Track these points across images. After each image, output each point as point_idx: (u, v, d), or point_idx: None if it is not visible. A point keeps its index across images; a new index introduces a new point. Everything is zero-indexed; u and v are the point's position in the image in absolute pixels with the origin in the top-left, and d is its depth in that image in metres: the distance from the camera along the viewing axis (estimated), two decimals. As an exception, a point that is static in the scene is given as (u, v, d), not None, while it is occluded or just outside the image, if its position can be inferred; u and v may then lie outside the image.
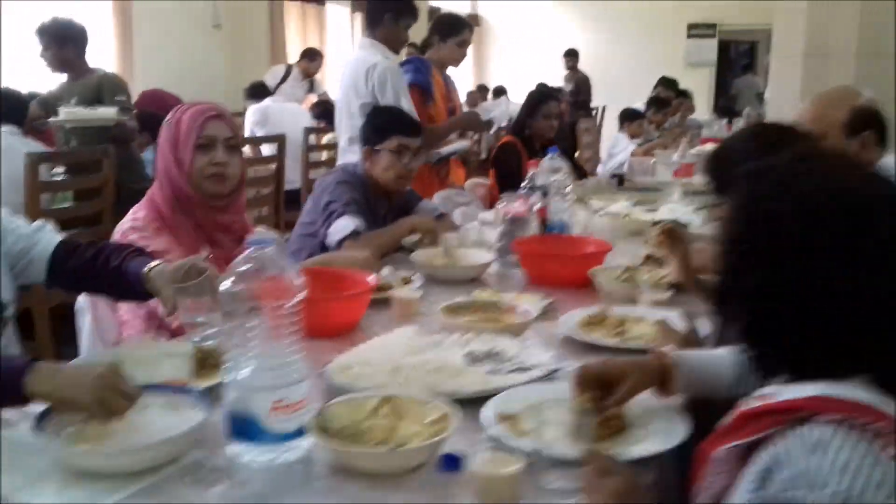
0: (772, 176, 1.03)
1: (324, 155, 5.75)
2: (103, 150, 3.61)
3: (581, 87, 10.60)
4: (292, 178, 4.99)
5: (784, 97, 4.91)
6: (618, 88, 10.09)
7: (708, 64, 12.17)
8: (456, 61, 4.11)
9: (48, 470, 1.20)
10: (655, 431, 1.30)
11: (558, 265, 2.32)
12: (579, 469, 1.09)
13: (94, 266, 1.72)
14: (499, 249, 2.48)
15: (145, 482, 1.18)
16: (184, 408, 1.36)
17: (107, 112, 3.80)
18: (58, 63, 3.97)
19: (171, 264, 1.64)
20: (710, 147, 5.66)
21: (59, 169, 3.92)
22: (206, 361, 1.59)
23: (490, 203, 4.24)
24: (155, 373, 1.54)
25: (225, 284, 1.23)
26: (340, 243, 2.57)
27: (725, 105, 10.35)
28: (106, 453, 1.22)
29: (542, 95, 4.31)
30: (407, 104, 3.50)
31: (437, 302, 2.07)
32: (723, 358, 1.39)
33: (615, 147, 6.00)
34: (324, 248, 2.72)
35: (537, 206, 2.54)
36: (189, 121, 2.11)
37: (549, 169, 2.84)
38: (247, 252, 1.24)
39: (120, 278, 1.67)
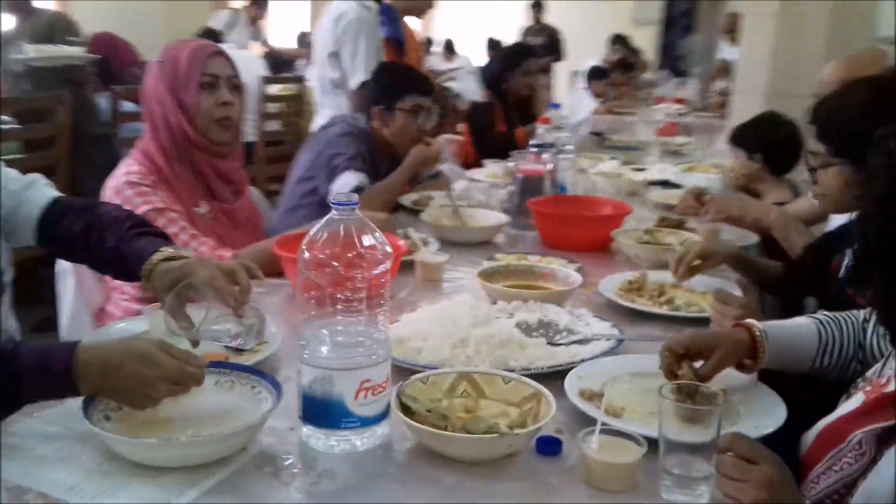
0: None
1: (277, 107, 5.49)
2: (58, 97, 3.33)
3: (553, 41, 10.39)
4: (246, 131, 4.74)
5: (757, 56, 4.89)
6: (565, 46, 9.98)
7: (653, 22, 12.15)
8: (421, 11, 3.88)
9: (99, 465, 1.05)
10: (752, 411, 1.22)
11: (577, 227, 2.22)
12: (701, 454, 1.00)
13: (85, 242, 1.47)
14: (511, 210, 2.37)
15: (217, 476, 1.04)
16: (239, 387, 1.22)
17: (74, 51, 3.50)
18: (4, 4, 3.64)
19: (180, 269, 1.32)
20: (678, 107, 5.68)
21: (6, 117, 3.60)
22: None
23: (464, 161, 4.12)
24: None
25: (303, 252, 1.09)
26: (343, 200, 2.42)
27: (672, 64, 10.37)
28: (182, 443, 1.06)
29: (523, 51, 4.19)
30: (371, 60, 3.24)
31: (456, 265, 1.98)
32: (806, 329, 1.32)
33: (578, 105, 5.94)
34: (324, 204, 2.56)
35: (550, 166, 2.42)
36: (189, 59, 1.92)
37: (554, 126, 2.74)
38: (329, 215, 1.11)
39: (118, 260, 1.42)
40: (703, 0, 12.10)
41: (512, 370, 1.31)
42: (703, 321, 1.62)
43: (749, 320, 1.31)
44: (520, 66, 4.18)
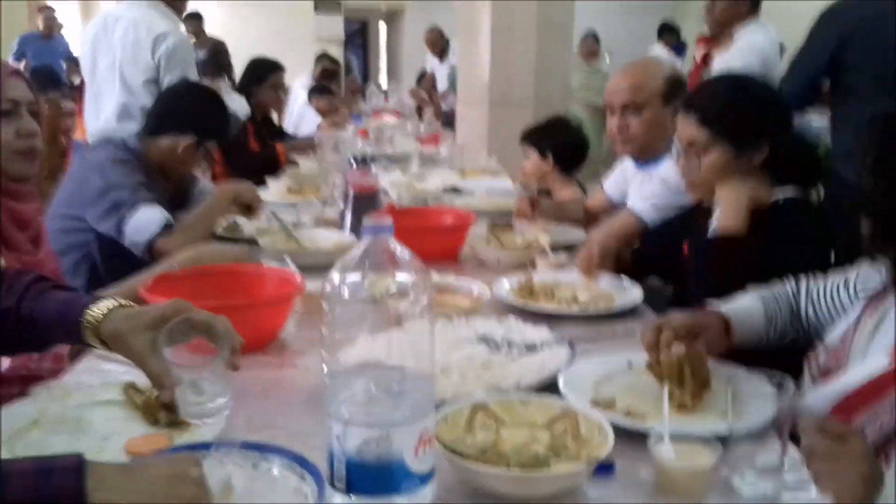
0: None
1: None
2: None
3: (216, 54, 9.93)
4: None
5: (475, 70, 5.18)
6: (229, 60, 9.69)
7: (336, 40, 12.36)
8: None
9: None
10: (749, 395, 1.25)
11: (428, 239, 2.14)
12: (779, 446, 1.00)
13: None
14: (352, 228, 2.22)
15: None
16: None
17: None
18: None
19: (167, 305, 1.06)
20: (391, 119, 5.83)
21: None
22: (150, 407, 1.15)
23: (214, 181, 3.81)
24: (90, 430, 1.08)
25: (341, 289, 0.90)
26: (151, 243, 2.08)
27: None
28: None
29: (270, 64, 3.99)
30: None
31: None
32: (755, 308, 1.40)
33: (300, 121, 5.82)
34: (104, 245, 2.18)
35: (378, 178, 2.31)
36: (-22, 81, 1.51)
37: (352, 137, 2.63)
38: (363, 241, 0.93)
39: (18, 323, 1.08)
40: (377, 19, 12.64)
41: (505, 391, 1.21)
42: (612, 316, 1.66)
43: (717, 309, 1.35)
44: (267, 80, 3.97)
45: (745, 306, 1.40)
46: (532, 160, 2.85)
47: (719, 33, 3.26)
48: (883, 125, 1.14)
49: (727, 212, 1.58)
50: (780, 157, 1.67)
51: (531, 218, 2.34)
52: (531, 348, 1.41)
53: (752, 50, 3.09)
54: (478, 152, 4.35)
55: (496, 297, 1.74)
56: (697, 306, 1.52)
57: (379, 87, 8.47)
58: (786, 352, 1.41)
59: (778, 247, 1.56)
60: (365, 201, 2.25)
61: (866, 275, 1.36)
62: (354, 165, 2.31)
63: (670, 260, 1.95)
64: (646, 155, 2.24)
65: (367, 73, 12.88)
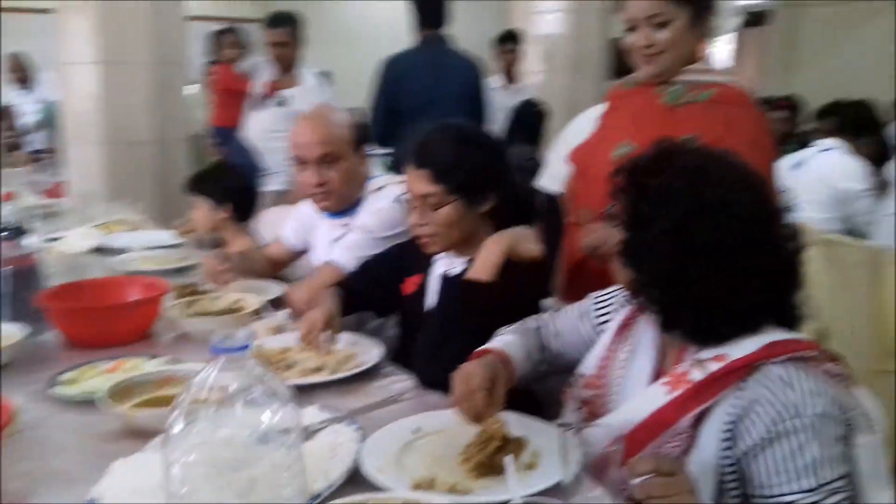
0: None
1: None
2: None
3: None
4: None
5: (83, 105, 4.66)
6: None
7: None
8: None
9: None
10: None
11: (121, 318, 1.84)
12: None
13: None
14: (14, 313, 1.81)
15: None
16: None
17: None
18: None
19: None
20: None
21: None
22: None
23: None
24: None
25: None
26: None
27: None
28: None
29: None
30: None
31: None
32: (514, 345, 1.46)
33: None
34: None
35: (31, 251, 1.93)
36: None
37: None
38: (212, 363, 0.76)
39: None
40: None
41: (318, 494, 1.08)
42: (361, 375, 1.60)
43: (493, 347, 1.39)
44: None
45: (508, 341, 1.45)
46: (202, 210, 2.61)
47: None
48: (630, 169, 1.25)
49: (486, 263, 1.61)
50: (506, 203, 1.76)
51: (225, 277, 2.14)
52: (308, 434, 1.28)
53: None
54: (106, 201, 3.90)
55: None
56: (442, 344, 1.55)
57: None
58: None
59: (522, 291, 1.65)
60: (23, 279, 1.87)
61: (600, 301, 1.50)
62: (-1, 236, 1.91)
63: (385, 294, 1.93)
64: (344, 205, 2.20)
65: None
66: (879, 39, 9.41)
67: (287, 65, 4.07)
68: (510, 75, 5.51)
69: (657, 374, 1.31)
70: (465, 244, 1.77)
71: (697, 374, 1.18)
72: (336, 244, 2.20)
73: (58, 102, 4.99)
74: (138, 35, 4.61)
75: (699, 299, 1.18)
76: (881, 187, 3.72)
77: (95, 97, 4.65)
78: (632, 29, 1.82)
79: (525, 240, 1.65)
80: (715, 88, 1.82)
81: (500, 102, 4.95)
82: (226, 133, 3.93)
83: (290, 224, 2.45)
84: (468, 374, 1.28)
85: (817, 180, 3.52)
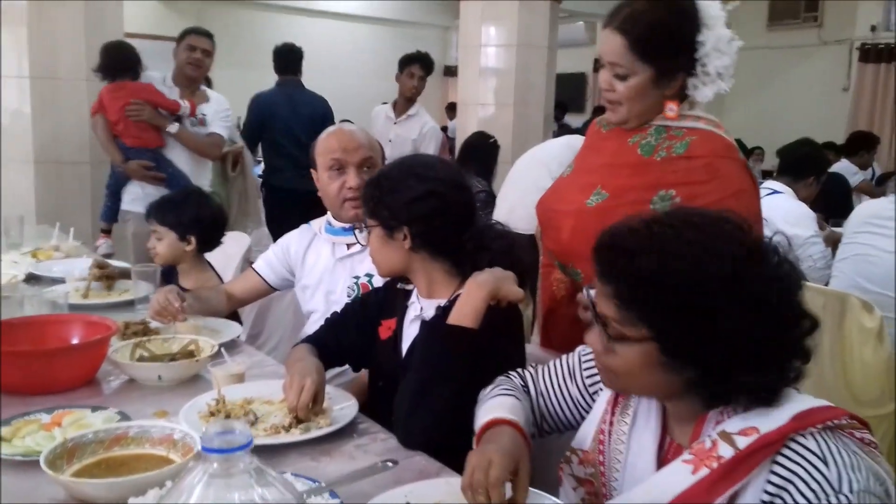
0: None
1: None
2: None
3: None
4: None
5: (19, 123, 4.40)
6: None
7: None
8: None
9: None
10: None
11: (64, 363, 1.64)
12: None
13: None
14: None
15: None
16: None
17: None
18: None
19: None
20: None
21: None
22: None
23: None
24: None
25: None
26: None
27: None
28: None
29: None
30: None
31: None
32: (519, 406, 1.33)
33: None
34: None
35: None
36: None
37: None
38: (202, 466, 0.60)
39: None
40: None
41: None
42: (336, 433, 1.46)
43: (507, 417, 1.25)
44: None
45: (511, 405, 1.31)
46: (167, 241, 2.40)
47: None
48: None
49: (470, 308, 1.49)
50: (432, 245, 1.66)
51: (178, 315, 1.96)
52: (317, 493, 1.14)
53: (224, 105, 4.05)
54: (37, 225, 3.65)
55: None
56: (425, 396, 1.42)
57: None
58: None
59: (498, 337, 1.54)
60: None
61: (589, 359, 1.39)
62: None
63: (361, 344, 1.80)
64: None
65: None
66: (806, 81, 9.81)
67: (199, 80, 3.91)
68: (409, 100, 5.10)
69: (662, 448, 1.21)
70: (418, 281, 1.68)
71: (726, 451, 1.07)
72: (341, 263, 2.15)
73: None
74: (73, 50, 4.39)
75: (747, 368, 1.08)
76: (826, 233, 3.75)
77: (25, 113, 4.39)
78: (601, 67, 1.76)
79: (507, 281, 1.54)
80: (692, 136, 1.74)
81: (398, 132, 5.05)
82: (145, 154, 3.68)
83: (269, 256, 2.30)
84: (488, 462, 1.13)
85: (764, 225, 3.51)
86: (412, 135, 5.01)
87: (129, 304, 2.29)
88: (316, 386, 1.51)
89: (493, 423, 1.24)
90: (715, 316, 1.04)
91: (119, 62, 3.73)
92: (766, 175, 6.74)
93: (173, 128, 3.71)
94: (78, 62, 4.42)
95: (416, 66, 4.99)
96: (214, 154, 3.99)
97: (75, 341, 1.75)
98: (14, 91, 4.42)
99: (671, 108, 1.74)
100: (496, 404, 1.31)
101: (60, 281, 2.49)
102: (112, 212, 3.86)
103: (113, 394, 1.66)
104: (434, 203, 1.63)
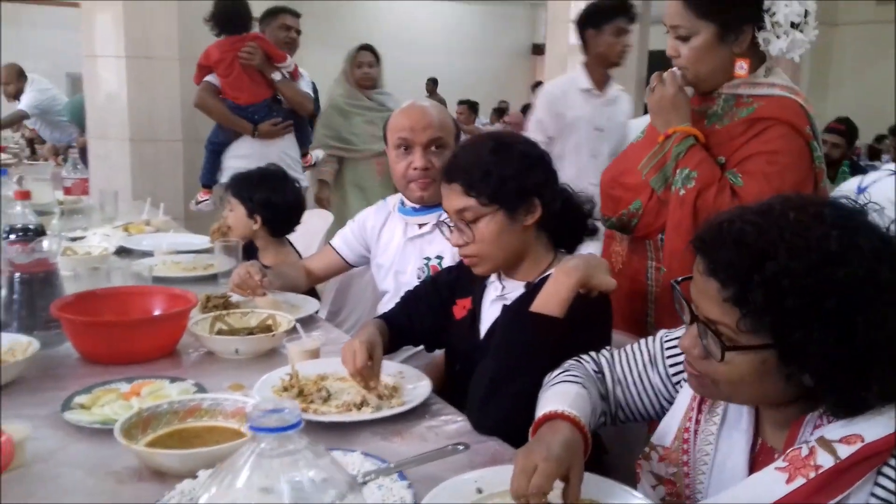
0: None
1: None
2: None
3: None
4: None
5: (108, 101, 4.55)
6: None
7: None
8: None
9: None
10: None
11: (146, 333, 1.67)
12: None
13: None
14: (19, 322, 1.66)
15: None
16: None
17: None
18: None
19: None
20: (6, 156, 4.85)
21: None
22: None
23: None
24: None
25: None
26: None
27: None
28: None
29: None
30: None
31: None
32: (581, 396, 1.25)
33: None
34: None
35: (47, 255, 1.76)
36: None
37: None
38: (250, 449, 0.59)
39: None
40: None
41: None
42: (408, 412, 1.43)
43: (566, 411, 1.17)
44: None
45: (574, 395, 1.23)
46: (236, 214, 2.44)
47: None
48: None
49: (555, 297, 1.43)
50: (553, 216, 1.59)
51: (257, 289, 1.97)
52: (351, 487, 1.11)
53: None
54: (129, 200, 3.77)
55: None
56: (502, 384, 1.37)
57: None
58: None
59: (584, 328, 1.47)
60: (38, 287, 1.71)
61: (672, 346, 1.31)
62: (14, 238, 1.75)
63: (433, 325, 1.76)
64: (437, 198, 2.07)
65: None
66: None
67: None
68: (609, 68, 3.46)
69: (753, 449, 1.13)
70: (516, 263, 1.60)
71: (825, 460, 0.98)
72: (411, 243, 2.11)
73: (83, 96, 4.86)
74: (164, 31, 4.50)
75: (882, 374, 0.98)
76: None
77: (120, 92, 4.54)
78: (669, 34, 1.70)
79: (599, 270, 1.47)
80: (759, 103, 1.66)
81: (610, 115, 3.50)
82: (261, 110, 3.76)
83: (346, 233, 2.30)
84: (532, 467, 1.03)
85: (887, 204, 3.29)
86: (620, 116, 3.53)
87: (213, 278, 2.33)
88: (366, 345, 1.49)
89: (550, 417, 1.16)
90: (853, 318, 0.94)
91: (235, 15, 3.76)
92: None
93: (277, 75, 3.79)
94: (171, 42, 4.54)
95: (621, 19, 3.34)
96: (308, 108, 4.05)
97: (157, 313, 1.78)
98: (111, 71, 4.57)
99: (741, 65, 1.66)
100: (558, 392, 1.24)
101: (149, 254, 2.55)
102: (212, 172, 3.97)
103: (191, 366, 1.67)
104: (547, 169, 1.59)
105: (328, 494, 0.68)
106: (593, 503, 1.07)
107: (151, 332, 1.69)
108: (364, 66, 4.11)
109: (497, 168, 1.53)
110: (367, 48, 4.16)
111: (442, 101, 9.45)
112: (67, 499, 1.13)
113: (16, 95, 5.90)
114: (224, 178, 3.85)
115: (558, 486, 1.05)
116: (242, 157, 3.76)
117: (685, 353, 1.08)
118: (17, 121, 5.99)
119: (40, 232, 1.77)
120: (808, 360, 0.97)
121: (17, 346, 1.58)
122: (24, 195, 1.87)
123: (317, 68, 4.91)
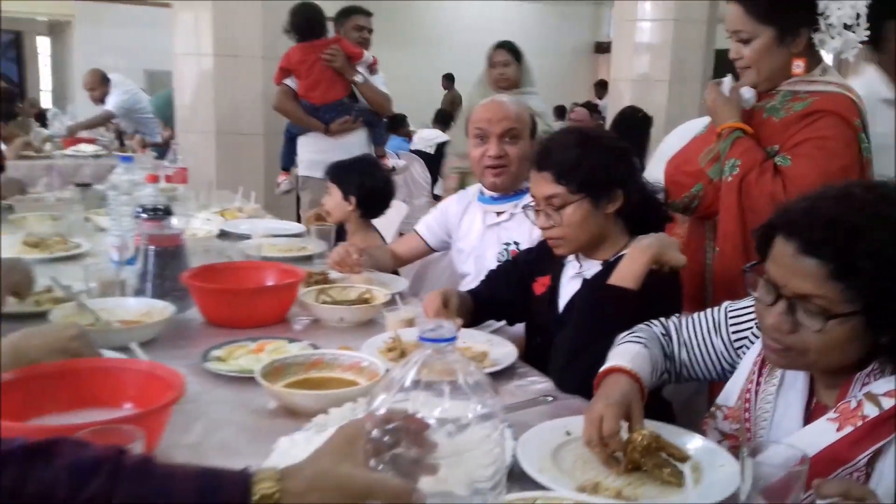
0: None
1: None
2: None
3: None
4: None
5: (196, 98, 4.85)
6: None
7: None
8: None
9: None
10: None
11: (262, 301, 1.91)
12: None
13: None
14: (153, 290, 1.90)
15: None
16: None
17: None
18: None
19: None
20: (95, 148, 5.23)
21: None
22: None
23: None
24: None
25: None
26: None
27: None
28: None
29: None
30: None
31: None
32: (641, 356, 1.40)
33: None
34: None
35: (177, 231, 2.00)
36: None
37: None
38: (416, 357, 0.79)
39: None
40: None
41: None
42: (497, 374, 1.61)
43: (625, 366, 1.34)
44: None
45: (635, 353, 1.39)
46: (334, 198, 2.67)
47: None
48: None
49: (630, 271, 1.60)
50: (632, 205, 1.75)
51: (355, 266, 2.18)
52: (461, 426, 1.30)
53: None
54: (217, 189, 4.03)
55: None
56: (583, 349, 1.53)
57: (62, 109, 7.47)
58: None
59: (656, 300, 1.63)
60: (168, 258, 1.95)
61: (735, 316, 1.46)
62: (146, 216, 1.99)
63: (515, 300, 1.94)
64: (513, 186, 2.24)
65: (23, 93, 11.52)
66: None
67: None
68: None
69: (808, 408, 1.27)
70: (595, 245, 1.77)
71: (871, 410, 1.13)
72: (490, 230, 2.26)
73: (170, 92, 5.18)
74: (250, 31, 4.77)
75: None
76: None
77: (208, 88, 4.83)
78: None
79: (671, 248, 1.63)
80: (814, 98, 1.79)
81: None
82: (334, 110, 4.00)
83: (429, 220, 2.50)
84: (599, 417, 1.22)
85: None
86: None
87: (307, 259, 2.55)
88: (441, 295, 1.77)
89: (611, 371, 1.33)
90: None
91: (314, 21, 4.01)
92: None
93: (359, 77, 4.00)
94: (255, 41, 4.81)
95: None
96: (388, 108, 4.24)
97: (270, 283, 2.00)
98: (200, 68, 4.86)
99: (798, 64, 1.79)
100: (621, 351, 1.40)
101: (247, 237, 2.78)
102: (290, 156, 4.30)
103: (301, 332, 1.88)
104: (630, 162, 1.76)
105: (476, 398, 0.87)
106: (653, 434, 1.20)
107: (268, 299, 1.91)
108: (499, 65, 3.72)
109: (587, 159, 1.70)
110: (502, 45, 3.77)
111: (458, 97, 9.47)
112: (220, 429, 1.35)
113: (101, 99, 6.26)
114: (300, 167, 4.16)
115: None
116: (314, 151, 4.03)
117: (773, 331, 1.19)
118: (104, 122, 6.36)
119: (168, 211, 2.00)
120: (892, 322, 1.12)
121: (154, 309, 1.81)
122: (154, 178, 2.11)
123: (386, 68, 5.12)
